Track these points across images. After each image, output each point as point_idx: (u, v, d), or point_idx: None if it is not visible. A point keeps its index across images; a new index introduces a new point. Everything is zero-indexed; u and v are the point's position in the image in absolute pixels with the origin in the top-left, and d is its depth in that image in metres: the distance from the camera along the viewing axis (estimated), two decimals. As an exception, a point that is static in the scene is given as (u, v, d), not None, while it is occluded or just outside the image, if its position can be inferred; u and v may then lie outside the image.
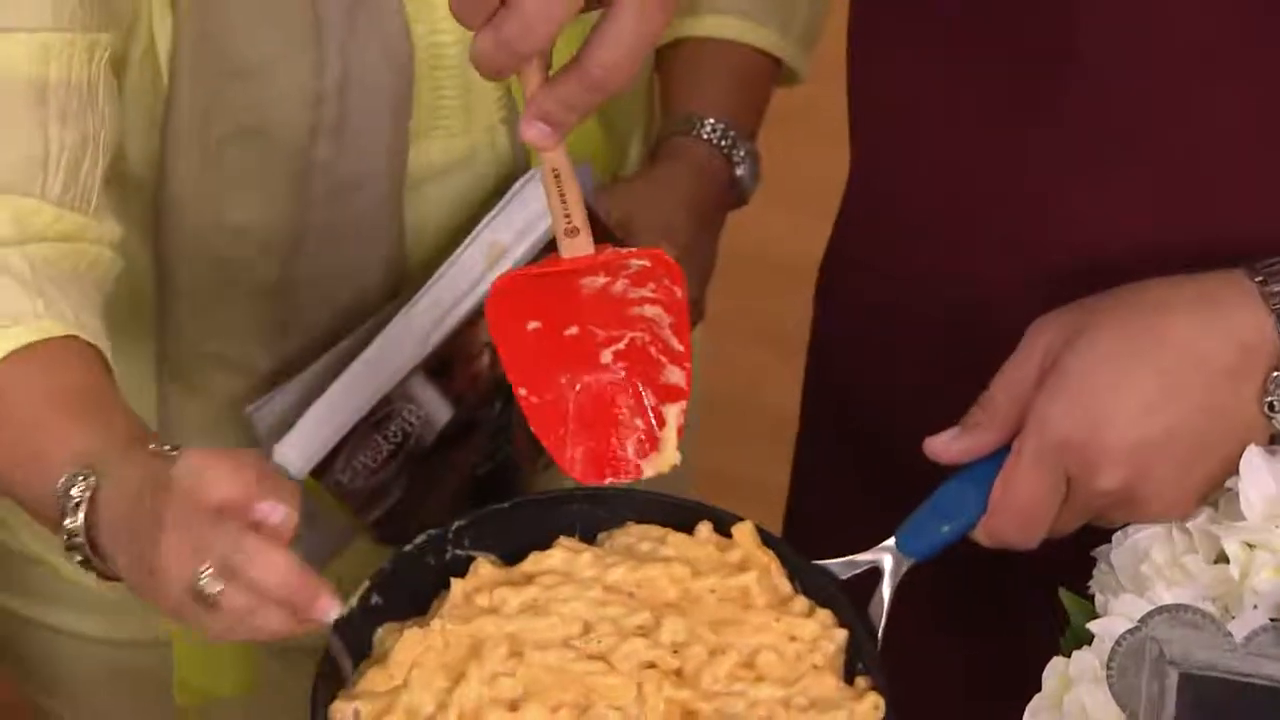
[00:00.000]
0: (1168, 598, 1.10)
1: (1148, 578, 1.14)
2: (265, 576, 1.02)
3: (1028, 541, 1.18)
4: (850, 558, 1.20)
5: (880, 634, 1.19)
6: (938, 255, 1.31)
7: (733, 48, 1.42)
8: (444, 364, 1.28)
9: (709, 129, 1.39)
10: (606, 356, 1.12)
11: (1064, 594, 1.16)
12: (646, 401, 1.14)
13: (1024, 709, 1.15)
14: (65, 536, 1.10)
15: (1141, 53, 1.19)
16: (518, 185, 1.27)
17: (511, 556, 1.21)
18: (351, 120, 1.27)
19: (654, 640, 1.16)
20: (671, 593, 1.17)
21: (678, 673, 1.15)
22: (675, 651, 1.16)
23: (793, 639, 1.17)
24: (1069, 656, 1.13)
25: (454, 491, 1.33)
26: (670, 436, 1.14)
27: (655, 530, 1.20)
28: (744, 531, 1.20)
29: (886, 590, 1.20)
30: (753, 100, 1.43)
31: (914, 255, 1.33)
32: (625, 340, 1.12)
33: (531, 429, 1.14)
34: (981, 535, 1.19)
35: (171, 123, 1.24)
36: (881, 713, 1.14)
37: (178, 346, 1.32)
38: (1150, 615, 1.06)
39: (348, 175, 1.27)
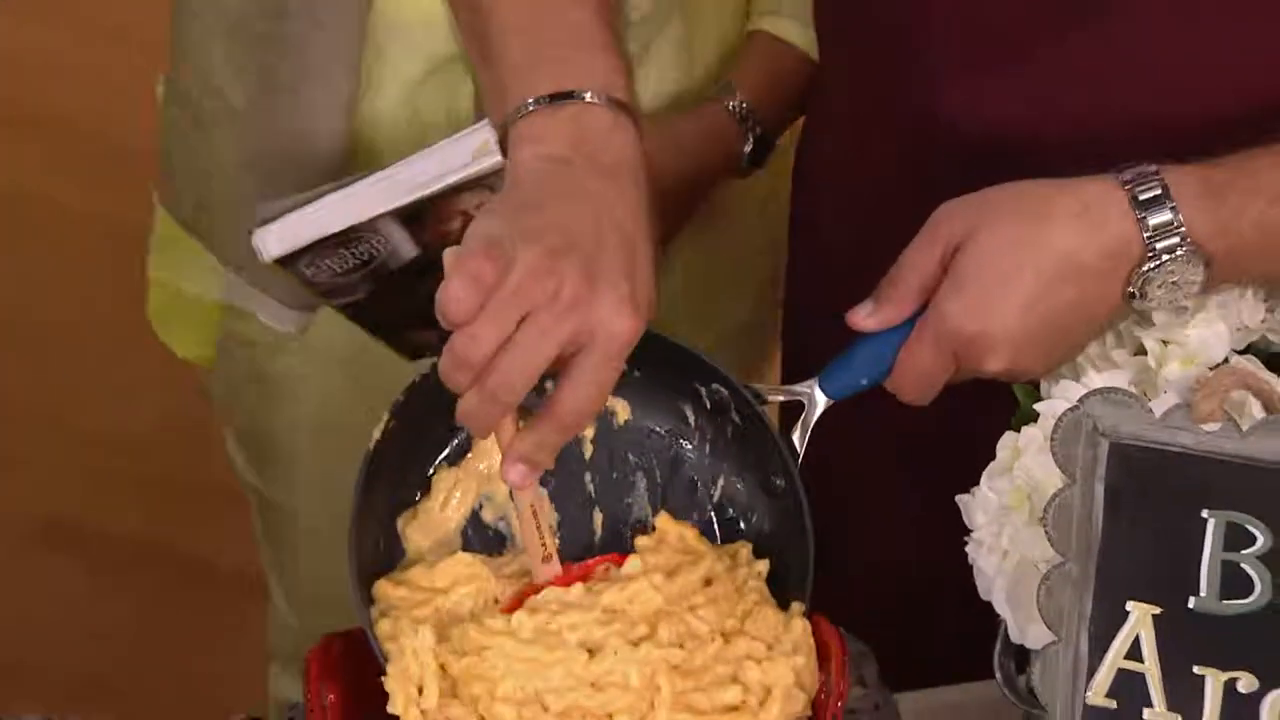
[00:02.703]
0: (1100, 382, 1.24)
1: (1083, 367, 1.28)
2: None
3: (922, 401, 1.30)
4: (779, 387, 1.33)
5: (800, 454, 1.31)
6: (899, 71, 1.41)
7: (787, 48, 1.58)
8: (418, 216, 1.36)
9: (735, 105, 1.55)
10: None
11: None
12: None
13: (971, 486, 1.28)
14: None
15: None
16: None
17: None
18: None
19: (656, 642, 1.24)
20: (658, 600, 1.26)
21: (678, 668, 1.24)
22: (681, 646, 1.25)
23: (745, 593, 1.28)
24: (1018, 432, 1.26)
25: (425, 299, 1.39)
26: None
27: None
28: (664, 520, 1.31)
29: (806, 420, 1.32)
30: (788, 96, 1.60)
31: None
32: None
33: None
34: (889, 387, 1.31)
35: None
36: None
37: None
38: (1086, 396, 1.20)
39: None
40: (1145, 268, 1.25)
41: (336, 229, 1.34)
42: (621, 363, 1.19)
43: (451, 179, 1.32)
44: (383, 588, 1.29)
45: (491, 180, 1.30)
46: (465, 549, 1.32)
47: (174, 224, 1.63)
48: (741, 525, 1.34)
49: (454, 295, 1.16)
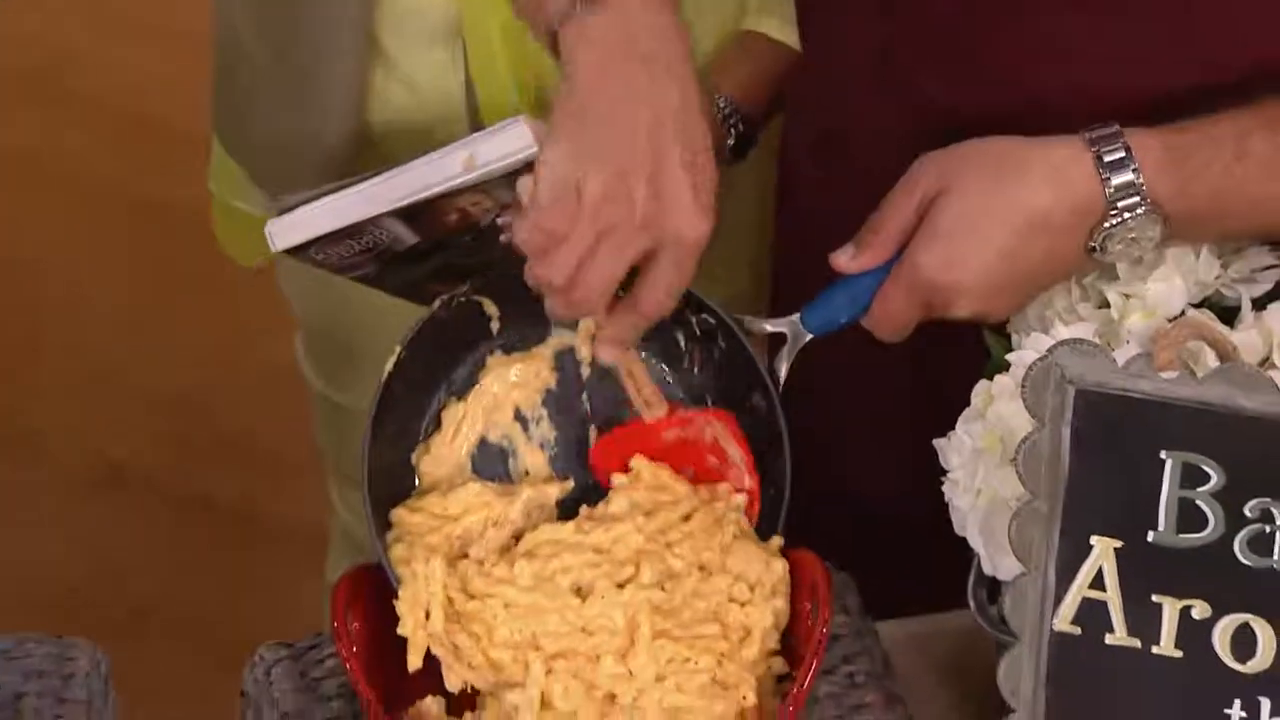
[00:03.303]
0: (1067, 334, 1.27)
1: (1051, 320, 1.32)
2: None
3: (895, 339, 1.35)
4: (763, 319, 1.38)
5: (782, 382, 1.37)
6: None
7: (772, 46, 1.58)
8: (416, 214, 1.39)
9: (722, 103, 1.55)
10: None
11: (988, 335, 1.35)
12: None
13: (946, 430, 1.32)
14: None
15: None
16: (504, 123, 1.35)
17: (510, 301, 1.38)
18: None
19: (639, 584, 1.30)
20: (638, 540, 1.32)
21: (659, 608, 1.30)
22: (661, 587, 1.31)
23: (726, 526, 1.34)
24: (991, 381, 1.30)
25: (433, 269, 1.44)
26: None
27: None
28: (638, 461, 1.37)
29: (790, 350, 1.37)
30: (772, 93, 1.58)
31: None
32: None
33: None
34: (865, 325, 1.35)
35: None
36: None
37: None
38: (1054, 347, 1.23)
39: None
40: (1107, 225, 1.28)
41: (340, 226, 1.39)
42: (695, 259, 1.26)
43: (440, 189, 1.37)
44: (400, 514, 1.36)
45: (486, 186, 1.35)
46: (475, 474, 1.39)
47: (223, 150, 1.67)
48: None
49: (528, 240, 1.24)
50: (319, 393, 1.83)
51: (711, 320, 1.39)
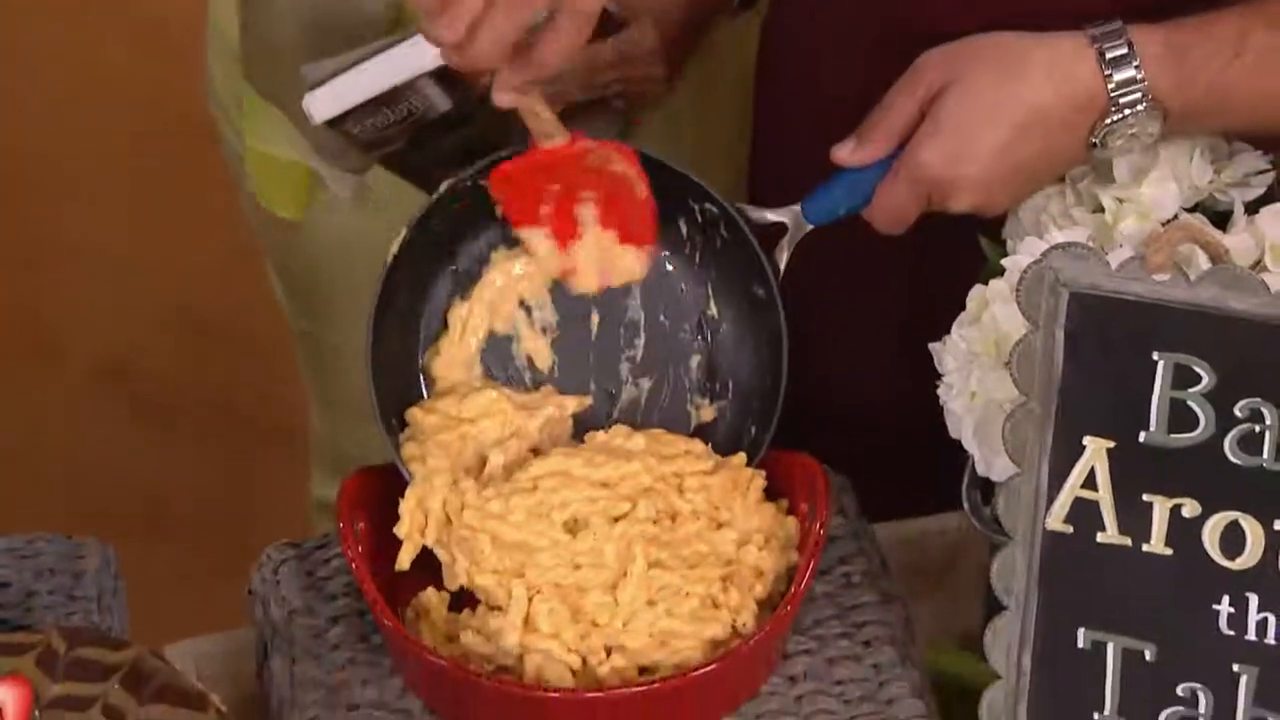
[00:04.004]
0: (1061, 238, 1.28)
1: (1045, 224, 1.33)
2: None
3: (895, 231, 1.36)
4: (761, 210, 1.39)
5: (781, 271, 1.38)
6: None
7: None
8: (451, 76, 1.41)
9: None
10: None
11: (983, 240, 1.37)
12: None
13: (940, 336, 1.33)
14: None
15: None
16: None
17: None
18: None
19: (633, 519, 1.32)
20: (646, 480, 1.34)
21: (655, 539, 1.32)
22: (655, 522, 1.32)
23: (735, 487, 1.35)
24: (986, 285, 1.31)
25: (451, 147, 1.46)
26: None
27: (624, 429, 1.39)
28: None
29: (790, 239, 1.39)
30: None
31: None
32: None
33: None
34: (865, 216, 1.37)
35: None
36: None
37: None
38: (1049, 250, 1.23)
39: None
40: (1108, 121, 1.30)
41: (380, 90, 1.40)
42: (592, 25, 1.28)
43: None
44: (414, 414, 1.37)
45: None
46: (485, 369, 1.40)
47: (259, 99, 1.67)
48: (724, 330, 1.43)
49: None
50: (293, 322, 1.85)
51: (714, 209, 1.40)
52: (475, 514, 1.31)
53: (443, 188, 1.39)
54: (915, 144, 1.33)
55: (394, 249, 1.38)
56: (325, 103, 1.43)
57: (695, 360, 1.44)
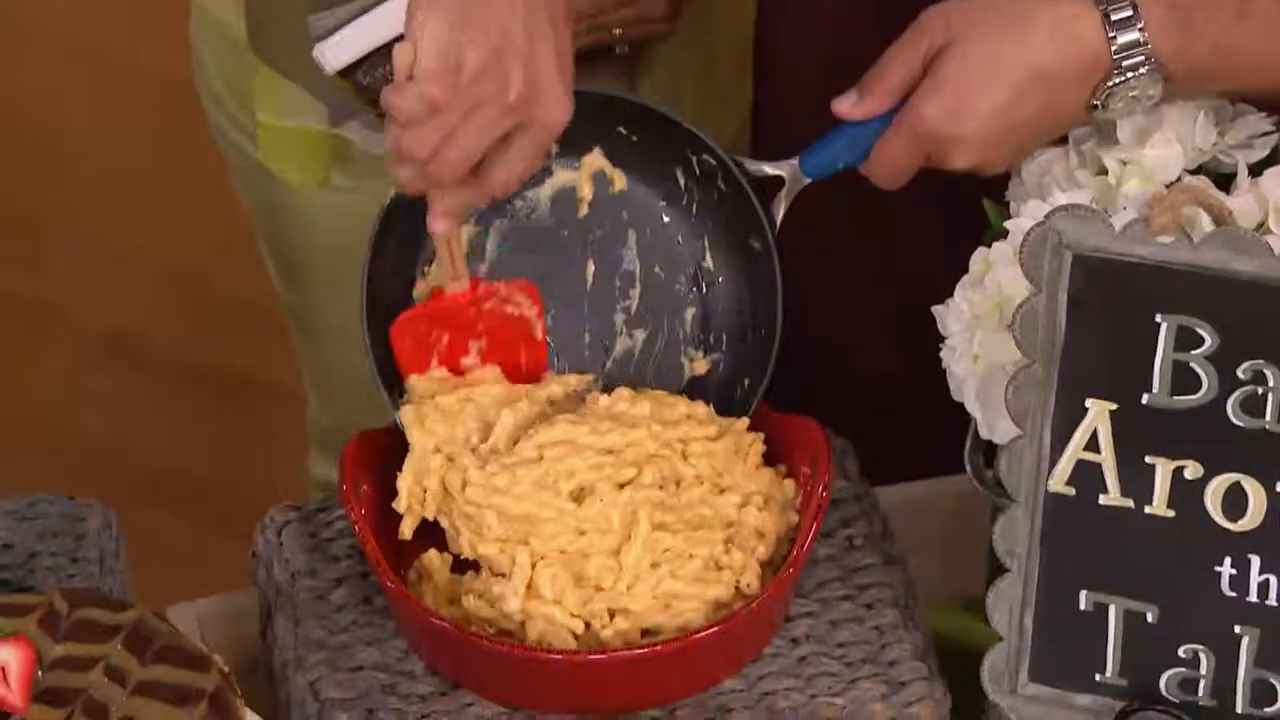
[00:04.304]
0: (1064, 200, 1.28)
1: (1048, 187, 1.33)
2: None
3: (893, 186, 1.36)
4: (759, 163, 1.39)
5: (778, 223, 1.39)
6: None
7: None
8: None
9: None
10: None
11: (986, 203, 1.36)
12: None
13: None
14: None
15: None
16: None
17: None
18: None
19: (638, 485, 1.32)
20: (651, 446, 1.34)
21: (660, 504, 1.32)
22: (660, 487, 1.33)
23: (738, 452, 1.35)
24: (989, 247, 1.31)
25: None
26: None
27: (627, 392, 1.39)
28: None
29: (788, 193, 1.39)
30: None
31: None
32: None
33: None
34: (863, 171, 1.36)
35: None
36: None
37: None
38: (1052, 212, 1.24)
39: None
40: (1111, 82, 1.30)
41: (390, 36, 1.39)
42: (551, 144, 1.30)
43: None
44: (414, 380, 1.37)
45: None
46: None
47: (271, 73, 1.67)
48: (720, 282, 1.43)
49: (410, 109, 1.26)
50: (286, 306, 1.84)
51: (712, 161, 1.40)
52: (480, 490, 1.31)
53: None
54: (916, 100, 1.33)
55: (391, 192, 1.38)
56: (336, 50, 1.43)
57: (690, 312, 1.44)
